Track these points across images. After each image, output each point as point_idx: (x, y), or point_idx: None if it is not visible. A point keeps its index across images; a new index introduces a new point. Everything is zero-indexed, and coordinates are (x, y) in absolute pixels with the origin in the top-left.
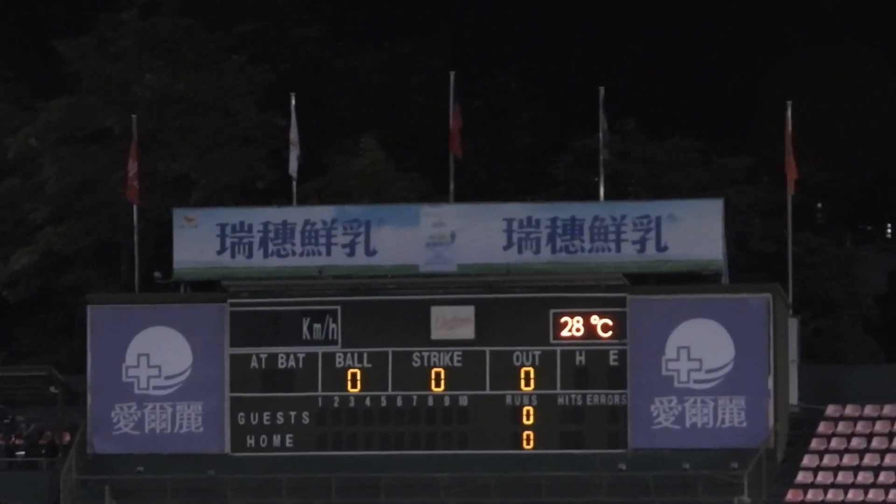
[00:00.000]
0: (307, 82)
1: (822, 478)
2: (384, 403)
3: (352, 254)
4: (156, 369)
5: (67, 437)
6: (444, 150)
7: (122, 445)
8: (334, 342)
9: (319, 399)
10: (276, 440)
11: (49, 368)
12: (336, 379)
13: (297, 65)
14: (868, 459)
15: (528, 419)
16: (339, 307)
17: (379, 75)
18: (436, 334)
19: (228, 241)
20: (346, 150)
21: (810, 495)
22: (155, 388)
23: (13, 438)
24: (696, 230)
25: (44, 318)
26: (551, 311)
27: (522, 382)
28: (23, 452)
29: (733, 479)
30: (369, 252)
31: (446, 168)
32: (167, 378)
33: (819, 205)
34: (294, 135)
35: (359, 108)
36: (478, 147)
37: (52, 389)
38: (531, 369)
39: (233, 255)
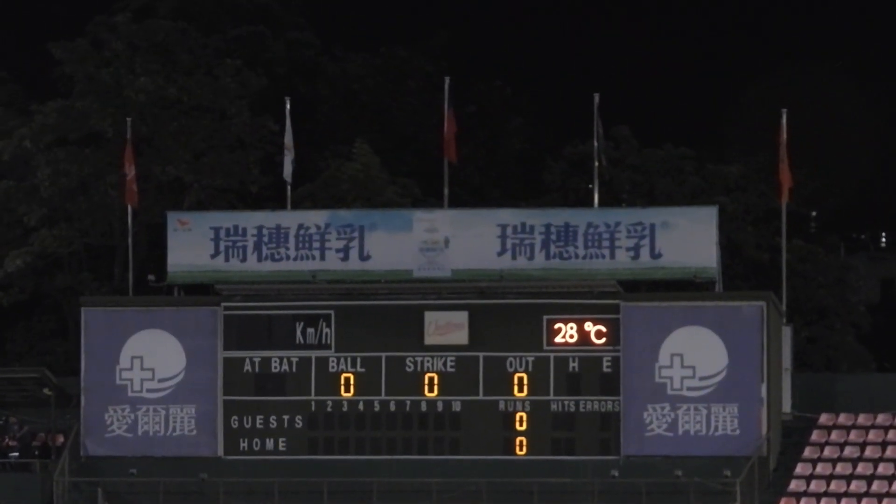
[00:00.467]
0: (300, 87)
1: (814, 486)
2: (377, 408)
3: (345, 258)
4: (149, 372)
5: (61, 439)
6: (436, 155)
7: (115, 448)
8: (328, 346)
9: (312, 403)
10: (269, 444)
11: (42, 370)
12: (329, 383)
13: (290, 69)
14: (861, 468)
15: (520, 425)
16: (332, 311)
17: (372, 80)
18: (429, 339)
19: (222, 245)
20: (340, 155)
21: (803, 503)
22: (148, 390)
23: (6, 440)
24: (689, 237)
25: (37, 320)
26: (545, 318)
27: (515, 388)
28: (16, 454)
29: (725, 487)
30: (363, 257)
31: (439, 173)
32: (160, 381)
33: (813, 213)
34: (289, 139)
35: (352, 113)
36: (471, 152)
37: (46, 391)
38: (524, 375)
39: (227, 259)
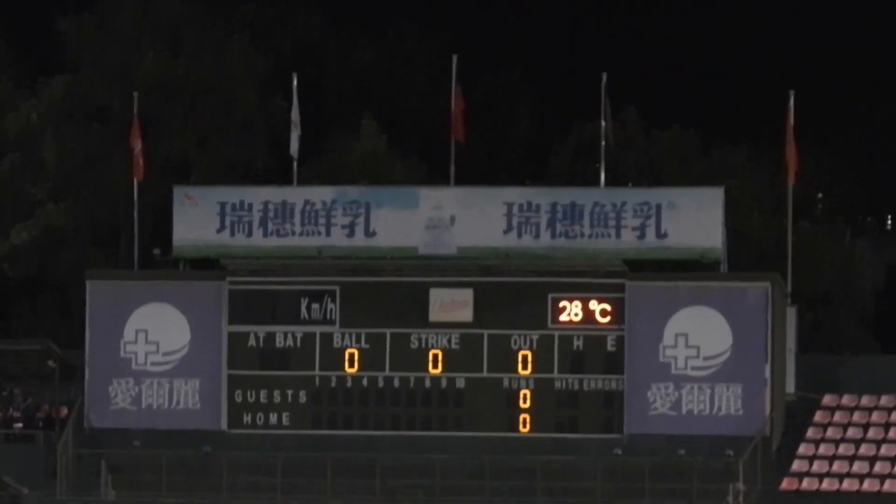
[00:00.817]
0: (308, 67)
1: (817, 466)
2: (381, 384)
3: (351, 235)
4: (154, 345)
5: (64, 411)
6: (443, 138)
7: (119, 420)
8: (332, 322)
9: (316, 378)
10: (273, 418)
11: (47, 342)
12: (333, 359)
13: (297, 49)
14: (864, 449)
15: (524, 402)
16: (337, 287)
17: (379, 61)
18: (434, 316)
19: (228, 220)
20: (347, 132)
21: (805, 484)
22: (152, 364)
23: (10, 411)
24: (695, 218)
25: (42, 297)
26: (550, 296)
27: (520, 366)
28: (20, 425)
29: (728, 467)
30: (369, 233)
31: (446, 155)
32: (165, 354)
33: (819, 195)
34: (295, 115)
35: (358, 94)
36: (478, 134)
37: (50, 363)
38: (528, 353)
39: (232, 234)
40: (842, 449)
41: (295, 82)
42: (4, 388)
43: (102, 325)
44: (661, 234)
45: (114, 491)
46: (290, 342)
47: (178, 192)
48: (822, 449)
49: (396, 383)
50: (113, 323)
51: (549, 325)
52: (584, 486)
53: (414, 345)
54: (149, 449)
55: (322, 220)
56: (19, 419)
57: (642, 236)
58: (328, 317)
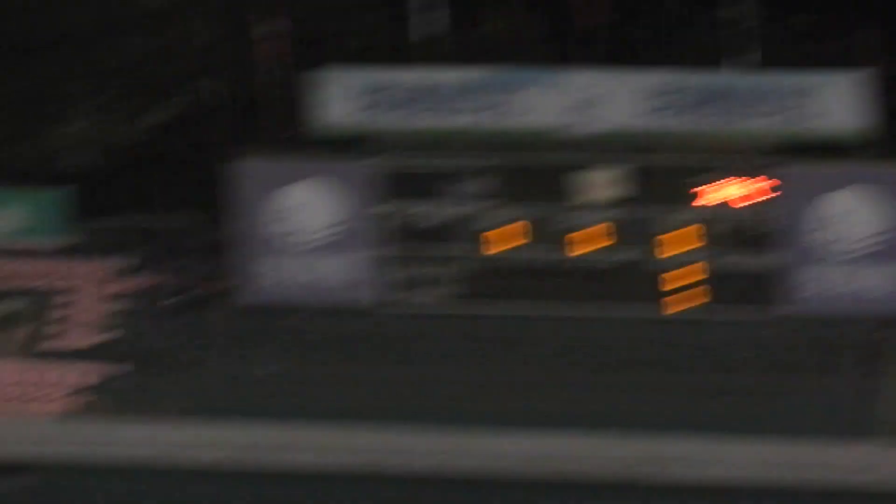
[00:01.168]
0: None
1: None
2: (528, 263)
3: (498, 115)
4: (301, 223)
5: (217, 287)
6: (587, 19)
7: (271, 297)
8: (479, 202)
9: (465, 258)
10: (424, 296)
11: (198, 217)
12: (481, 238)
13: None
14: None
15: (669, 284)
16: (483, 168)
17: None
18: (578, 197)
19: (374, 99)
20: (496, 12)
21: None
22: (301, 242)
23: (162, 287)
24: (845, 100)
25: (189, 174)
26: (696, 178)
27: (665, 248)
28: (173, 300)
29: (881, 348)
30: (515, 114)
31: (590, 37)
32: (313, 232)
33: None
34: None
35: None
36: (623, 17)
37: (201, 240)
38: (676, 234)
39: (379, 113)
40: None
41: None
42: (158, 263)
43: (251, 203)
44: (811, 116)
45: (273, 364)
46: (437, 221)
47: (323, 72)
48: None
49: (542, 263)
50: (259, 201)
51: (694, 207)
52: (736, 357)
53: (558, 225)
54: (299, 325)
55: (468, 100)
56: (173, 294)
57: (791, 119)
58: (475, 196)
